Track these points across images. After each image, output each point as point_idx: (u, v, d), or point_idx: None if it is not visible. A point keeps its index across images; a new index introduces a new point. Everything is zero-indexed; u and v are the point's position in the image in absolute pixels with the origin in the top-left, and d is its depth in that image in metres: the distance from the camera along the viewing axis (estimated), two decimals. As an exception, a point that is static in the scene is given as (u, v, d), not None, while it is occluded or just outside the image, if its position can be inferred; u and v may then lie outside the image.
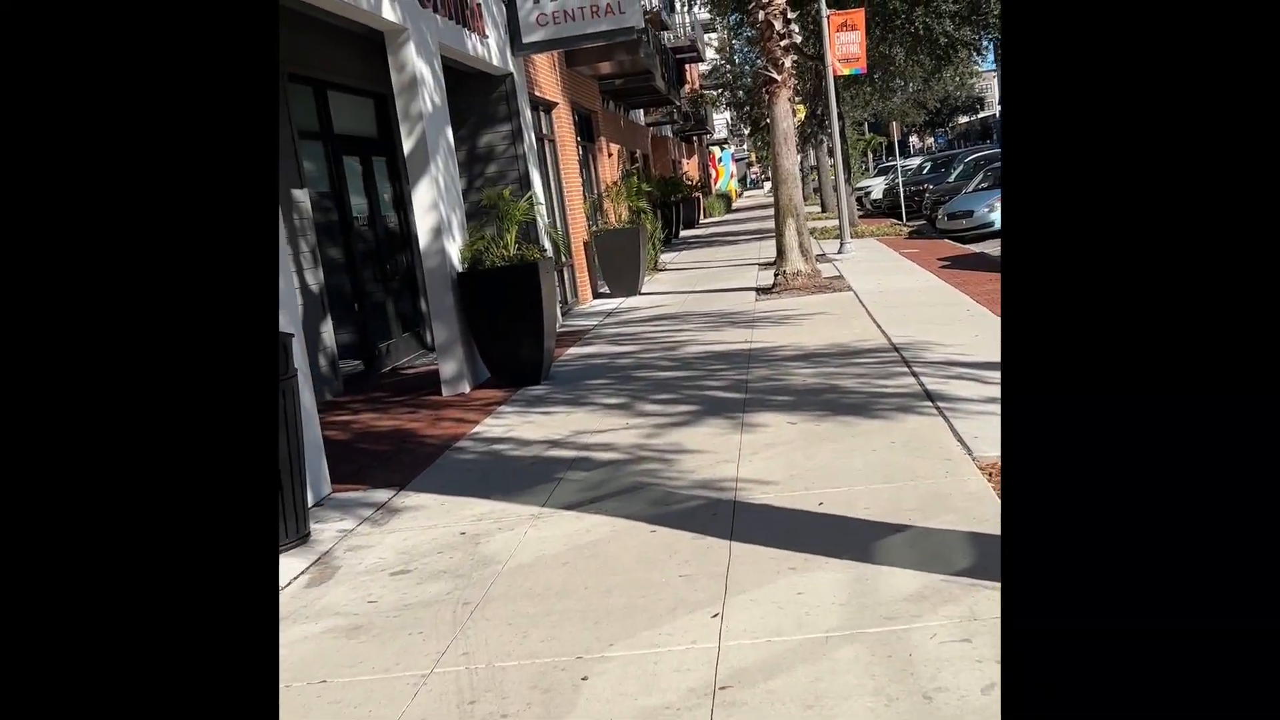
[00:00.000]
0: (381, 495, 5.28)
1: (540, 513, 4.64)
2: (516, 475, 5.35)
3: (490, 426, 6.66)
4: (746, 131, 58.04)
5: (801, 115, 23.14)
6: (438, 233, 7.83)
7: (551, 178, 13.47)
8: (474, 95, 10.94)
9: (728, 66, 38.52)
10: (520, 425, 6.59)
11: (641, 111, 29.35)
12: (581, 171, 15.90)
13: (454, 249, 8.03)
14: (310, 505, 5.15)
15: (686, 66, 35.73)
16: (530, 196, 8.28)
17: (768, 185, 73.06)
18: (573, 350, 9.76)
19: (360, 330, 9.70)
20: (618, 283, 14.13)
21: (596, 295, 14.57)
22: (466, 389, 7.99)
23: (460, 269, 8.00)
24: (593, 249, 14.35)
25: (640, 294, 14.19)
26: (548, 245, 10.79)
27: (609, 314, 12.42)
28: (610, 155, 20.08)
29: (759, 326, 9.64)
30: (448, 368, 7.98)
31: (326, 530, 4.75)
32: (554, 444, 5.94)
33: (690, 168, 42.46)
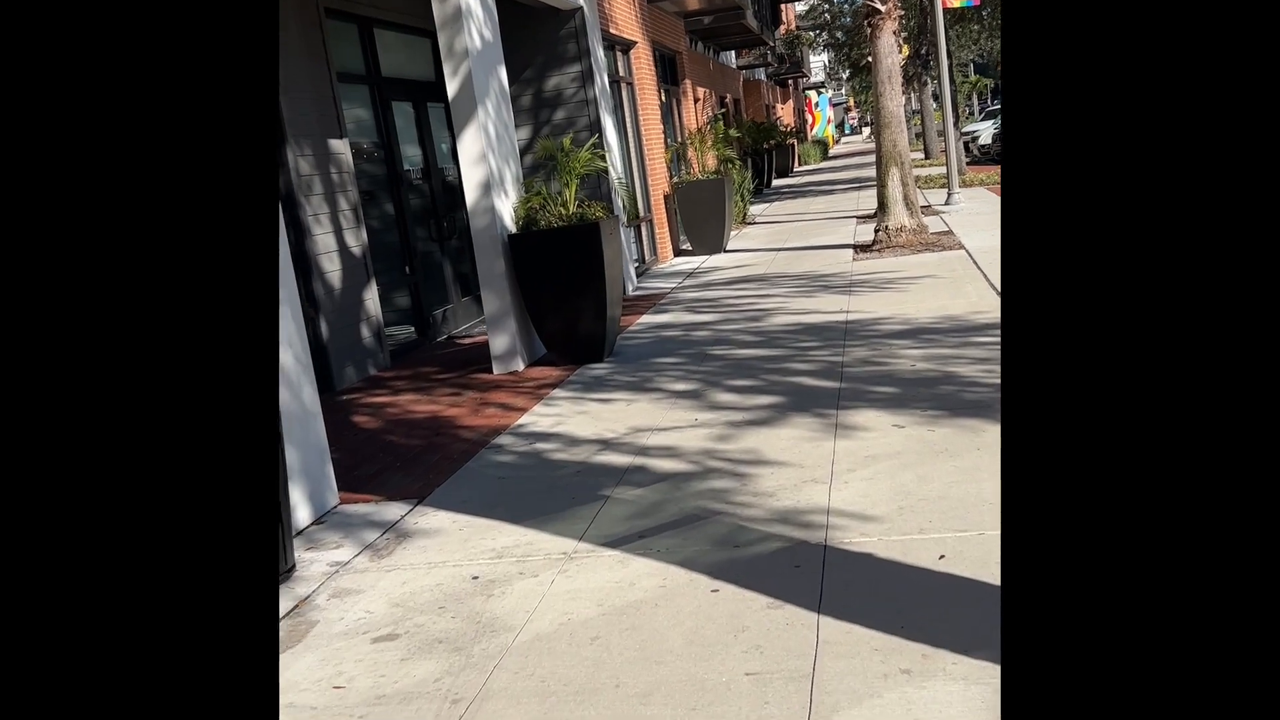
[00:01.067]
0: (394, 511, 4.37)
1: (575, 550, 3.66)
2: (556, 490, 4.38)
3: (538, 417, 5.70)
4: (845, 75, 55.61)
5: (905, 54, 21.43)
6: (486, 188, 6.85)
7: (629, 124, 12.37)
8: (539, 33, 9.88)
9: (825, 5, 36.52)
10: (572, 416, 5.61)
11: (733, 54, 27.85)
12: (664, 118, 14.73)
13: (505, 207, 7.05)
14: (309, 523, 4.27)
15: (782, 6, 33.95)
16: (593, 145, 7.24)
17: (866, 131, 70.43)
18: (645, 319, 8.73)
19: (413, 295, 8.83)
20: (700, 239, 13.01)
21: (678, 253, 13.48)
22: (520, 366, 7.05)
23: (513, 230, 7.02)
24: (674, 203, 13.23)
25: (725, 251, 13.05)
26: (619, 202, 9.74)
27: (689, 275, 11.34)
28: (697, 100, 18.81)
29: (857, 292, 8.46)
30: (499, 342, 7.04)
31: (317, 563, 3.86)
32: (607, 445, 4.94)
33: (785, 113, 40.68)
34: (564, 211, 6.95)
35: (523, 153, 10.03)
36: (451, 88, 6.82)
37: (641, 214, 12.43)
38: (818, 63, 53.32)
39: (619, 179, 10.67)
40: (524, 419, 5.70)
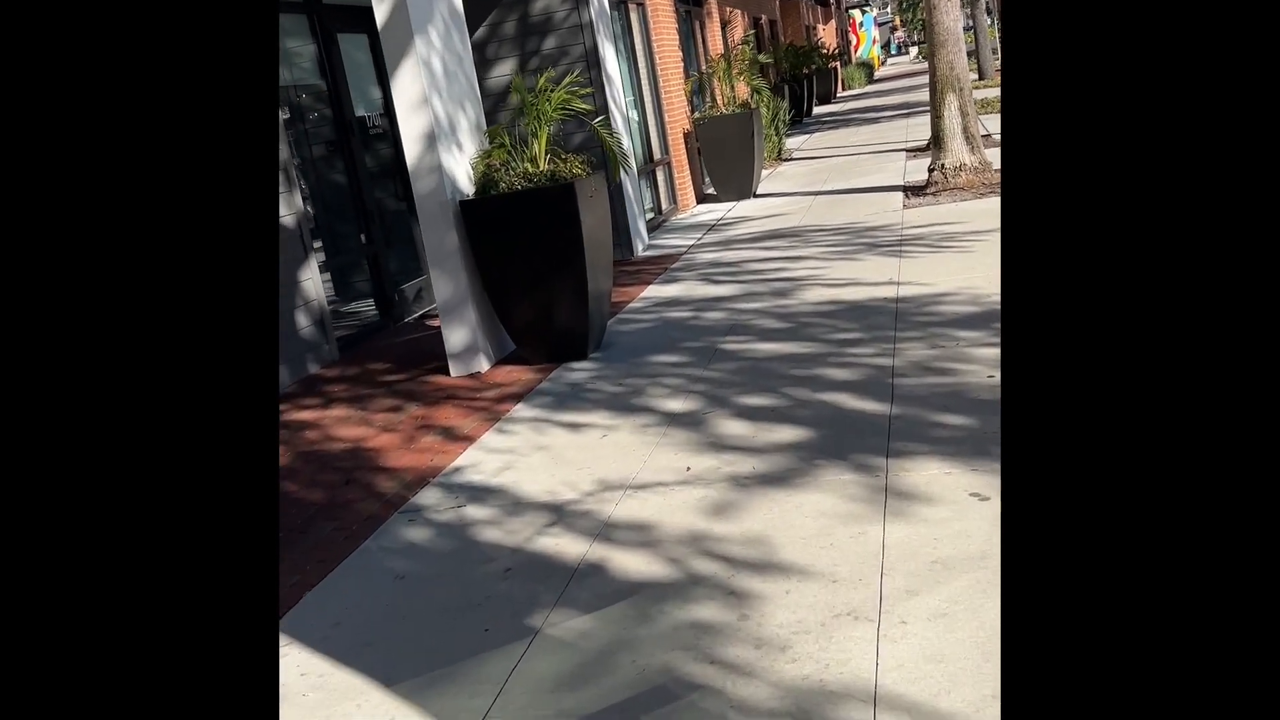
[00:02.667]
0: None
1: (459, 762, 2.24)
2: (468, 610, 2.95)
3: (484, 454, 4.27)
4: (890, -8, 52.43)
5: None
6: (431, 142, 5.34)
7: (640, 52, 10.70)
8: (521, -56, 8.24)
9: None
10: (528, 454, 4.17)
11: (768, -29, 25.68)
12: (684, 44, 12.99)
13: (459, 165, 5.54)
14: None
15: (821, -83, 31.48)
16: (573, 81, 5.69)
17: (914, 51, 67.09)
18: (651, 290, 7.22)
19: (373, 269, 7.40)
20: (726, 183, 11.38)
21: (702, 199, 11.87)
22: (483, 367, 5.60)
23: (469, 194, 5.53)
24: (694, 142, 11.58)
25: (755, 196, 11.42)
26: (624, 147, 8.18)
27: (711, 227, 9.76)
28: (727, 22, 16.96)
29: (910, 253, 6.86)
30: (455, 338, 5.59)
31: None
32: (559, 515, 3.50)
33: (826, 34, 38.22)
34: (531, 169, 5.43)
35: (505, 93, 8.46)
36: (380, 11, 5.28)
37: (657, 156, 10.83)
38: (861, -21, 50.36)
39: (627, 118, 9.07)
40: (465, 457, 4.27)
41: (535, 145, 5.51)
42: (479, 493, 3.84)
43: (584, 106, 5.67)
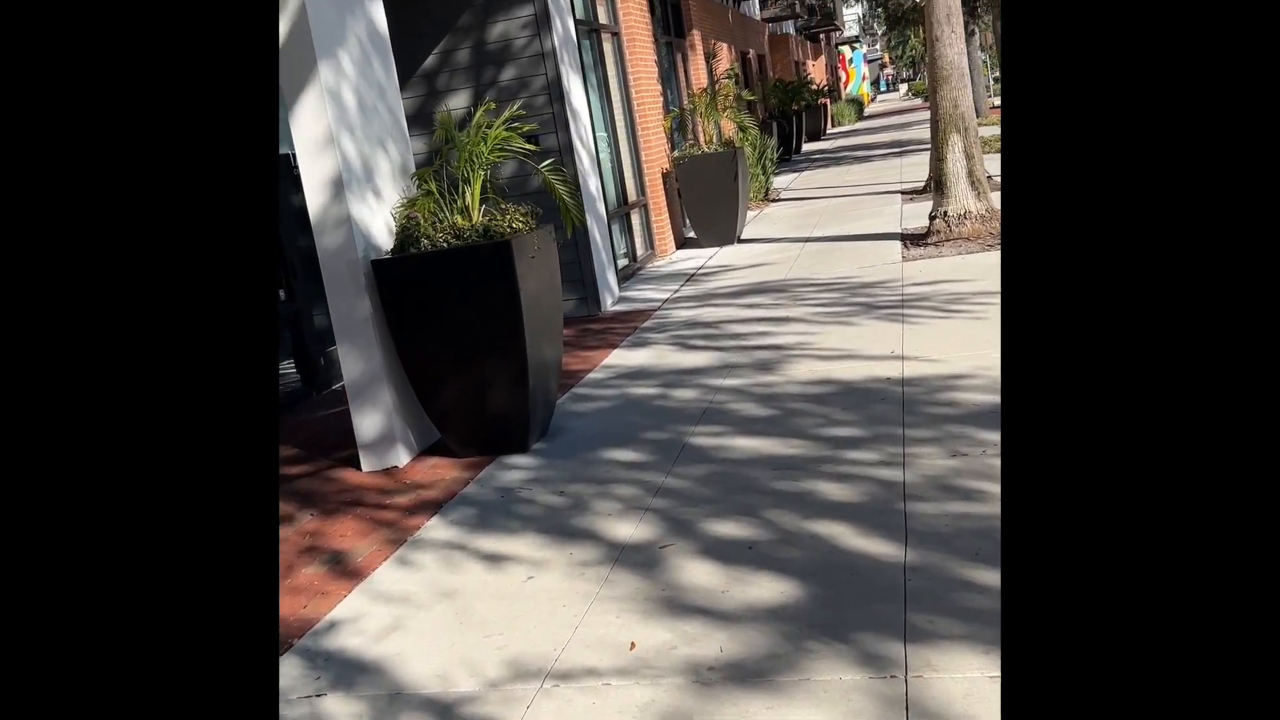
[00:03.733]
0: None
1: None
2: None
3: (367, 606, 3.27)
4: (880, 30, 52.17)
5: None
6: (338, 188, 4.39)
7: (615, 85, 9.81)
8: (476, -38, 7.35)
9: (859, -48, 33.30)
10: (426, 606, 3.18)
11: (756, 4, 25.05)
12: (665, 77, 12.13)
13: (376, 216, 4.58)
14: None
15: (811, -48, 30.98)
16: (511, 117, 4.74)
17: (904, 87, 66.83)
18: (615, 356, 6.25)
19: (295, 330, 6.42)
20: (708, 228, 10.46)
21: (682, 244, 10.95)
22: (401, 460, 4.62)
23: (386, 253, 4.57)
24: (675, 182, 10.68)
25: (740, 242, 10.50)
26: (595, 193, 7.27)
27: (690, 277, 8.82)
28: (714, 56, 16.16)
29: (914, 318, 5.92)
30: (367, 425, 4.60)
31: None
32: None
33: (816, 70, 37.65)
34: (461, 222, 4.48)
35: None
36: (282, 27, 4.34)
37: (632, 198, 9.91)
38: (851, 15, 50.10)
39: (596, 158, 8.16)
40: (348, 604, 3.27)
41: (468, 193, 4.56)
42: (349, 670, 2.84)
43: (526, 146, 4.72)
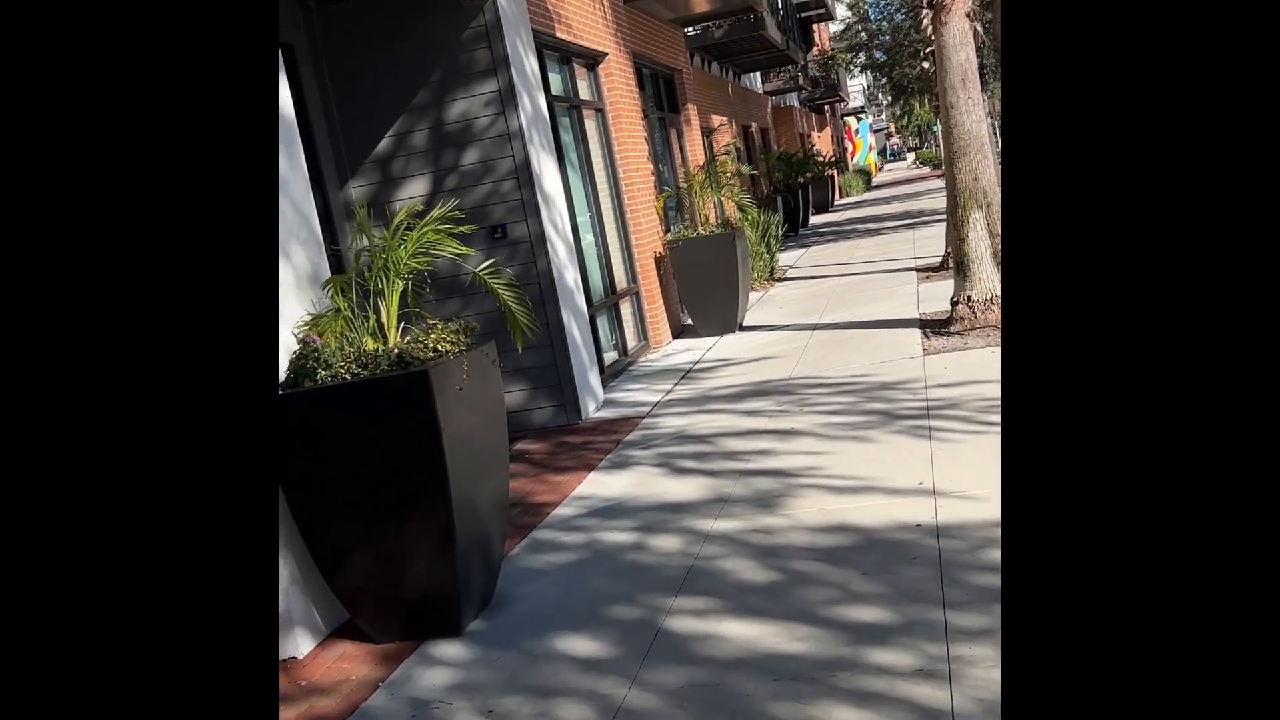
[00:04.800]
0: None
1: None
2: None
3: None
4: (886, 100, 52.04)
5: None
6: (215, 308, 3.48)
7: (600, 165, 9.01)
8: (431, 33, 6.58)
9: (860, 26, 33.11)
10: None
11: (758, 77, 24.57)
12: (659, 154, 11.36)
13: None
14: None
15: (813, 26, 30.67)
16: (444, 216, 3.83)
17: (910, 157, 66.59)
18: (589, 485, 5.27)
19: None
20: (706, 316, 9.55)
21: (679, 333, 10.04)
22: (301, 648, 3.63)
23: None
24: (667, 267, 9.81)
25: (741, 329, 9.58)
26: (574, 286, 6.40)
27: (685, 373, 7.89)
28: (712, 130, 15.47)
29: (944, 433, 4.94)
30: (257, 605, 3.63)
31: None
32: None
33: (822, 141, 37.24)
34: (373, 346, 3.56)
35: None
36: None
37: (622, 286, 9.03)
38: (856, 86, 50.00)
39: (572, 246, 7.29)
40: None
41: (382, 309, 3.65)
42: None
43: (457, 250, 3.81)
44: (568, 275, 6.91)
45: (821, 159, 27.50)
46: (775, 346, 8.37)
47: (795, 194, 21.06)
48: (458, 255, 3.81)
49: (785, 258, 15.55)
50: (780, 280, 13.17)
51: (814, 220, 24.20)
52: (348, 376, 3.42)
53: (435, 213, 3.83)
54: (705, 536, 4.14)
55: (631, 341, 9.07)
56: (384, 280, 3.64)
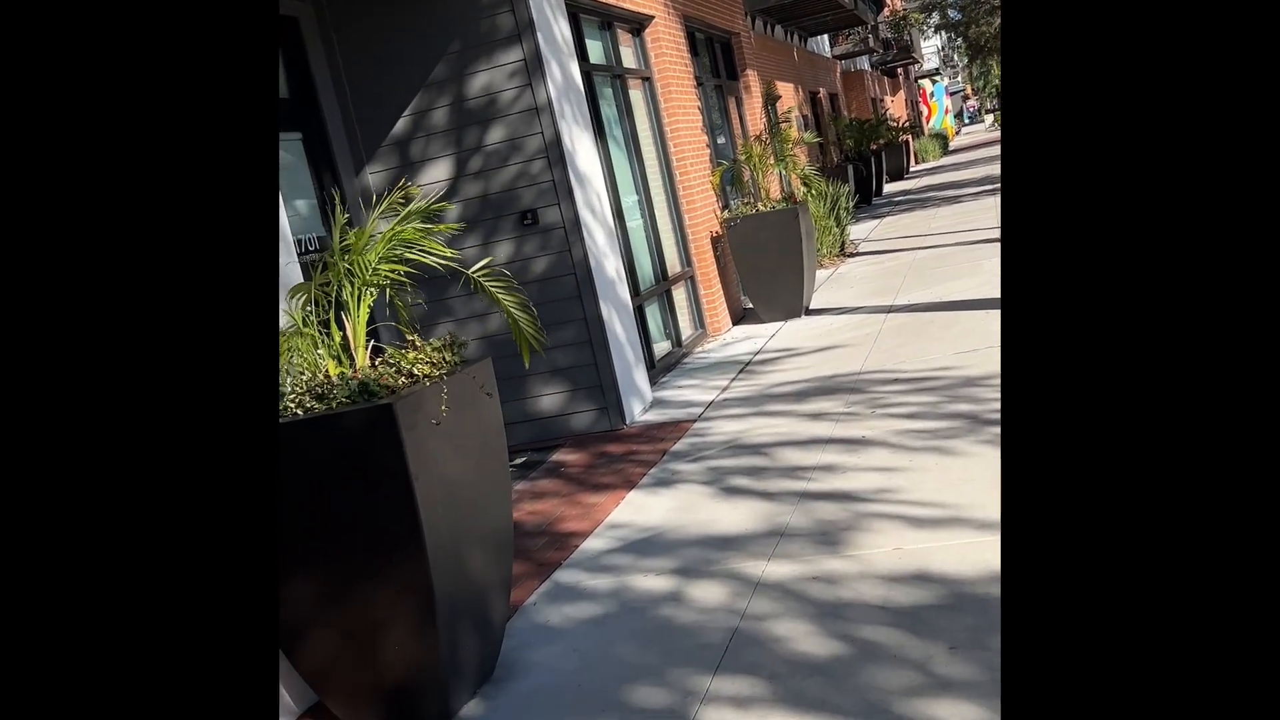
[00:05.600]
0: None
1: None
2: None
3: None
4: (963, 61, 50.04)
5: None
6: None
7: (648, 139, 8.27)
8: (445, 1, 5.90)
9: (934, -18, 31.52)
10: None
11: (826, 40, 23.46)
12: (714, 124, 10.56)
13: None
14: None
15: (883, -15, 29.32)
16: (423, 211, 3.14)
17: (989, 118, 64.18)
18: (624, 510, 4.58)
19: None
20: (768, 300, 8.77)
21: (740, 319, 9.28)
22: (263, 737, 3.01)
23: (227, 418, 3.01)
24: (725, 248, 9.04)
25: (807, 313, 8.78)
26: (617, 275, 5.71)
27: (744, 366, 7.14)
28: (776, 98, 14.57)
29: (1044, 446, 4.12)
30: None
31: None
32: None
33: (895, 106, 35.79)
34: (336, 371, 2.91)
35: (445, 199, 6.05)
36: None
37: (675, 271, 8.30)
38: (930, 48, 48.18)
39: (615, 231, 6.59)
40: None
41: (348, 326, 2.99)
42: None
43: (443, 255, 3.11)
44: (608, 264, 6.20)
45: (895, 124, 26.28)
46: (844, 333, 7.57)
47: (867, 162, 20.00)
48: (443, 259, 3.12)
49: (857, 230, 14.63)
50: (851, 256, 12.29)
51: (888, 188, 23.09)
52: (299, 412, 2.77)
53: (415, 205, 3.15)
54: (755, 585, 3.42)
55: (686, 330, 8.35)
56: (349, 290, 2.97)
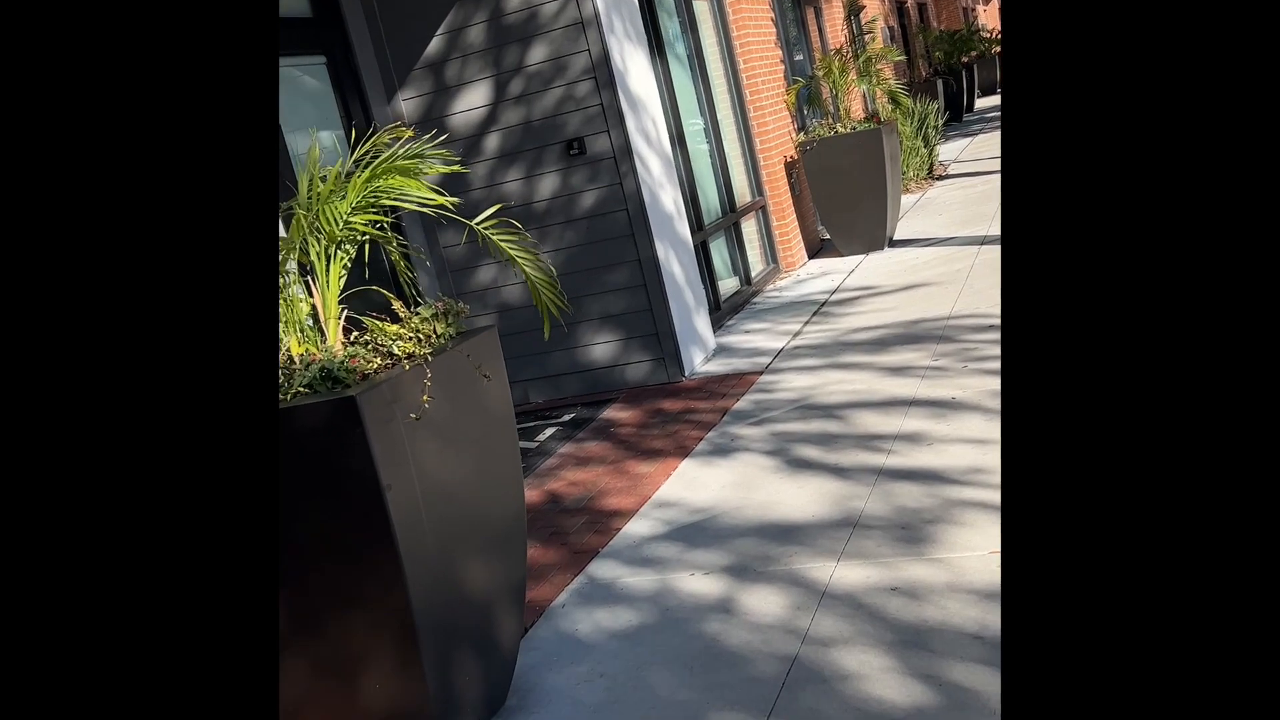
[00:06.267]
0: None
1: None
2: None
3: None
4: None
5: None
6: None
7: (715, 56, 7.53)
8: (477, -100, 5.23)
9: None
10: None
11: (914, -55, 21.88)
12: (788, 39, 9.70)
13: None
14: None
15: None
16: (389, 162, 2.55)
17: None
18: (676, 481, 4.02)
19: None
20: (848, 231, 8.02)
21: (816, 253, 8.55)
22: (234, 776, 2.57)
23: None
24: (801, 174, 8.29)
25: (890, 245, 8.03)
26: (684, 208, 5.12)
27: (819, 307, 6.47)
28: (860, 8, 13.49)
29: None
30: None
31: None
32: None
33: (989, 16, 33.72)
34: (297, 349, 2.37)
35: (474, 138, 5.50)
36: None
37: (745, 200, 7.61)
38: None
39: (673, 159, 5.93)
40: None
41: (316, 293, 2.45)
42: None
43: (427, 199, 2.53)
44: (664, 197, 5.56)
45: (988, 35, 24.64)
46: (932, 269, 6.82)
47: (957, 76, 18.72)
48: (426, 204, 2.54)
49: (946, 150, 13.61)
50: (940, 179, 11.37)
51: (980, 104, 21.71)
52: (251, 402, 2.25)
53: (397, 148, 2.56)
54: (821, 595, 2.85)
55: (757, 266, 7.68)
56: (316, 249, 2.42)
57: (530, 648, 2.92)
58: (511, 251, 2.73)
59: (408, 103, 5.57)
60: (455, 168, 2.59)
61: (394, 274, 2.74)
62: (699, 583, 3.11)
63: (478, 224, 2.67)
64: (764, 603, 2.89)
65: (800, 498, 3.57)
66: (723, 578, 3.11)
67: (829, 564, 3.02)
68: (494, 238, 2.71)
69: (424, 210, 2.61)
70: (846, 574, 2.94)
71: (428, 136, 2.70)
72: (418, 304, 2.61)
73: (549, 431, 5.10)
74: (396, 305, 2.51)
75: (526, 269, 2.76)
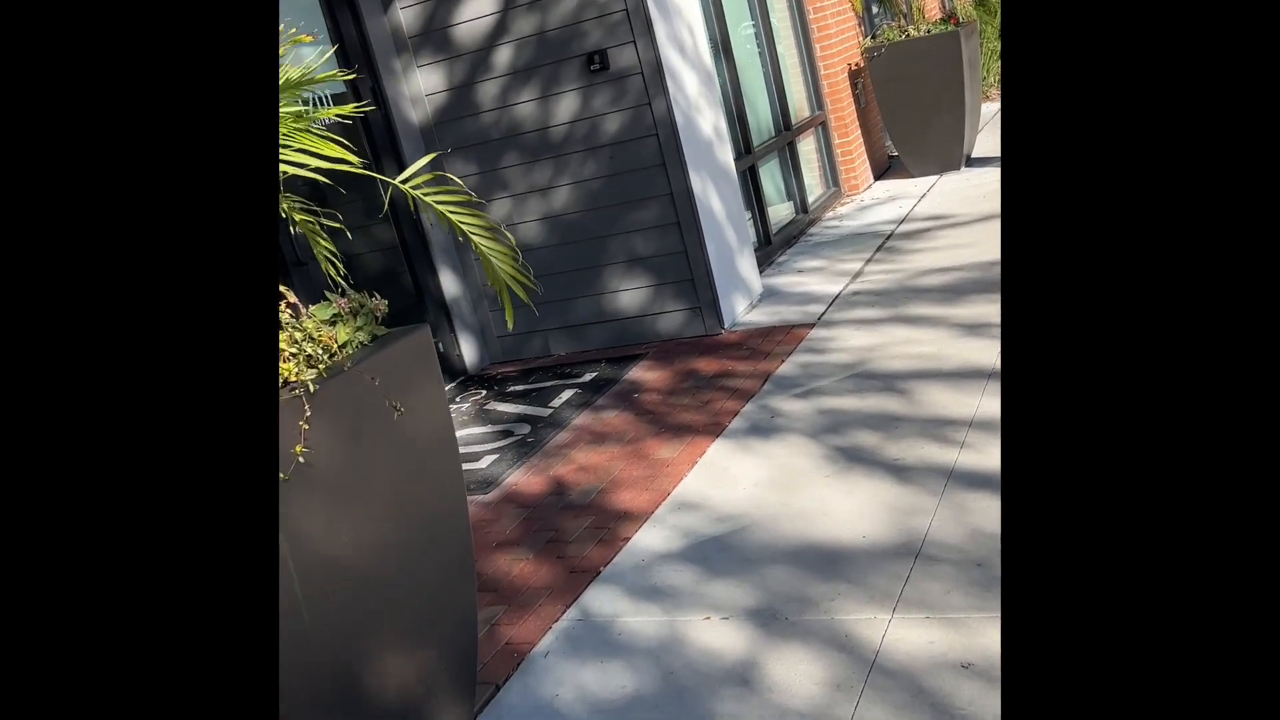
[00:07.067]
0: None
1: None
2: None
3: None
4: None
5: None
6: None
7: (768, -52, 6.57)
8: None
9: None
10: None
11: None
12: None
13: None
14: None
15: None
16: (303, 77, 1.87)
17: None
18: (701, 470, 3.35)
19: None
20: (918, 149, 7.10)
21: (882, 174, 7.66)
22: None
23: None
24: (867, 84, 7.35)
25: (968, 164, 7.11)
26: (715, 134, 4.40)
27: (883, 241, 5.66)
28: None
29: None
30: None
31: None
32: None
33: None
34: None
35: (480, 53, 4.74)
36: None
37: (803, 115, 6.75)
38: None
39: (719, 75, 5.11)
40: None
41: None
42: None
43: (340, 157, 1.83)
44: (702, 120, 4.77)
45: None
46: (1016, 195, 5.93)
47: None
48: (338, 161, 1.85)
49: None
50: (1025, 85, 10.24)
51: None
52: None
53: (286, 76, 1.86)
54: (869, 667, 2.18)
55: (815, 190, 6.84)
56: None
57: (498, 713, 2.32)
58: (454, 217, 2.03)
59: (405, 11, 4.81)
60: (348, 155, 1.86)
61: (305, 249, 2.06)
62: (715, 633, 2.46)
63: (402, 181, 1.97)
64: (794, 673, 2.23)
65: (849, 507, 2.88)
66: (745, 627, 2.45)
67: (882, 615, 2.34)
68: (430, 201, 2.01)
69: (347, 169, 1.92)
70: (905, 634, 2.26)
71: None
72: (343, 295, 1.94)
73: (566, 395, 4.44)
74: (293, 300, 1.84)
75: (476, 238, 2.06)
